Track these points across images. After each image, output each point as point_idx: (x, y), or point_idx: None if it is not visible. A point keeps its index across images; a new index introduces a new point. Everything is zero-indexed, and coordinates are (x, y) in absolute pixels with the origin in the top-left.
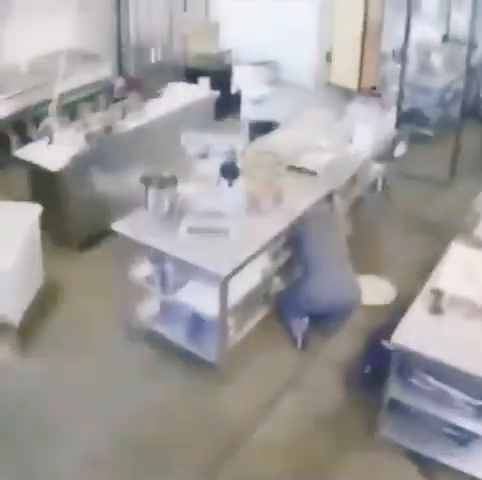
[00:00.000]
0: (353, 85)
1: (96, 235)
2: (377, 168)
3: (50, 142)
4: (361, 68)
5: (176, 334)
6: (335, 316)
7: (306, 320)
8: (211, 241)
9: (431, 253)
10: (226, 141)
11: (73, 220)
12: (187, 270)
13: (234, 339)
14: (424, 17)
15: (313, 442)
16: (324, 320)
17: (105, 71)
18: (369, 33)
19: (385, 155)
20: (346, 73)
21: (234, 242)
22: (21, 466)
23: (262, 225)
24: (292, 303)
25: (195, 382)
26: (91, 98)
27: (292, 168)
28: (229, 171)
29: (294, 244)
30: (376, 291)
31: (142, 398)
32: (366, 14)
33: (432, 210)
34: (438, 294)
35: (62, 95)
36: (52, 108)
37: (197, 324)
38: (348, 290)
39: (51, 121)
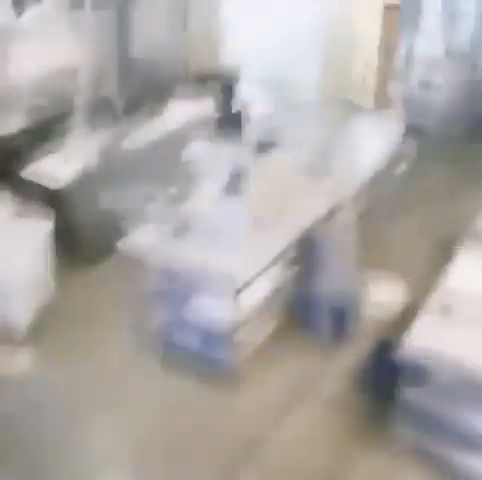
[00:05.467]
0: (370, 104)
1: (105, 250)
2: (380, 184)
3: None
4: (379, 88)
5: (189, 345)
6: (343, 312)
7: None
8: (218, 257)
9: (437, 264)
10: (231, 159)
11: (82, 235)
12: (196, 285)
13: (248, 348)
14: (426, 32)
15: (326, 449)
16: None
17: (107, 89)
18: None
19: (388, 171)
20: (363, 91)
21: (241, 258)
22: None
23: (269, 240)
24: (306, 304)
25: (208, 391)
26: (93, 117)
27: (295, 186)
28: (233, 188)
29: (304, 248)
30: (386, 295)
31: (156, 407)
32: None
33: (438, 222)
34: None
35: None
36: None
37: (209, 335)
38: (352, 288)
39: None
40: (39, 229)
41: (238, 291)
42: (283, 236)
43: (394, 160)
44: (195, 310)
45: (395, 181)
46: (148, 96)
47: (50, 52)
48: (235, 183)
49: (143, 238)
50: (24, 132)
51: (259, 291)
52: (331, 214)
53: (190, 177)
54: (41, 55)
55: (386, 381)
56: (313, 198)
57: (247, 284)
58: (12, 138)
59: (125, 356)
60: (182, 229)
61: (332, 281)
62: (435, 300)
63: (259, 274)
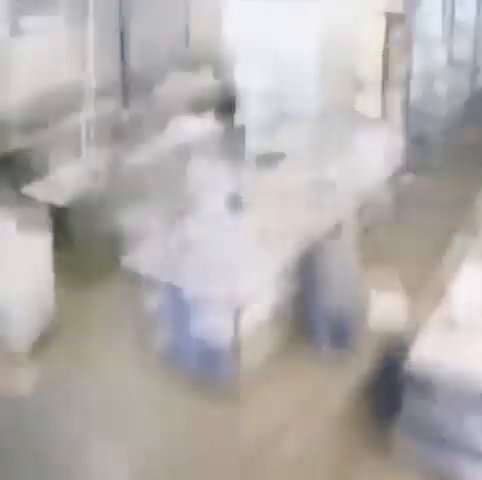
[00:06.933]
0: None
1: (107, 267)
2: (386, 195)
3: None
4: (383, 97)
5: (190, 361)
6: (346, 325)
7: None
8: (220, 274)
9: (440, 277)
10: (232, 175)
11: (82, 253)
12: (198, 302)
13: (250, 365)
14: (427, 41)
15: (326, 463)
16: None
17: (110, 105)
18: (391, 63)
19: (393, 182)
20: (369, 102)
21: (243, 275)
22: None
23: (271, 256)
24: (308, 319)
25: (209, 409)
26: (98, 132)
27: (300, 200)
28: (235, 204)
29: (306, 263)
30: (390, 310)
31: (159, 425)
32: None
33: (442, 230)
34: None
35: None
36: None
37: (211, 352)
38: (354, 302)
39: None
40: (39, 246)
41: (239, 308)
42: (285, 251)
43: (398, 171)
44: (197, 327)
45: (399, 192)
46: (152, 112)
47: (52, 67)
48: (236, 200)
49: (145, 254)
50: (27, 148)
51: (261, 308)
52: (334, 229)
53: (192, 194)
54: (42, 71)
55: (390, 394)
56: (316, 213)
57: (248, 301)
58: (16, 154)
59: (127, 373)
60: (184, 246)
61: (334, 296)
62: (439, 314)
63: (261, 291)
